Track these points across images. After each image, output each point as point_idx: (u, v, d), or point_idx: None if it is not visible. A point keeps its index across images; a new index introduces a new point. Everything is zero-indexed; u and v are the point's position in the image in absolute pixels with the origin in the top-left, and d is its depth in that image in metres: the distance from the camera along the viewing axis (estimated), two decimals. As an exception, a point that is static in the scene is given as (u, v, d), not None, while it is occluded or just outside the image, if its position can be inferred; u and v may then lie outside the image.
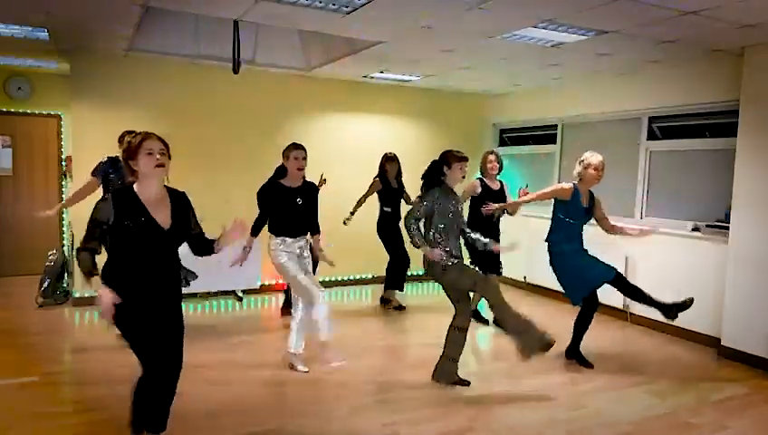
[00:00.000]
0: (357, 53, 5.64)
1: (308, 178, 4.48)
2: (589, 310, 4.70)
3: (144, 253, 2.76)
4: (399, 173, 6.39)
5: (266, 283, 6.93)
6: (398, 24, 4.57)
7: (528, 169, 7.84)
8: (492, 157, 5.75)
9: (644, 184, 6.19)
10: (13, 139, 7.51)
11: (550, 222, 4.75)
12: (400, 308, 6.41)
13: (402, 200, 6.42)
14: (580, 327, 4.75)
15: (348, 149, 7.37)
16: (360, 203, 6.28)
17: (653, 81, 6.01)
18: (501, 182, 5.81)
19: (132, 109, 6.37)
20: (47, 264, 6.30)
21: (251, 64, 6.27)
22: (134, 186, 2.80)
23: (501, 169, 5.81)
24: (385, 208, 6.34)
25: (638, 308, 6.08)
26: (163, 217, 2.78)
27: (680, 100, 5.78)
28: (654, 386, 4.36)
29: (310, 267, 4.47)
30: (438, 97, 7.94)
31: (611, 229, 4.77)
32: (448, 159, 4.14)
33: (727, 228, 5.10)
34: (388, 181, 6.32)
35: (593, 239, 6.49)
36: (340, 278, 7.28)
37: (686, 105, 5.75)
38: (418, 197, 4.24)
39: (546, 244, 4.74)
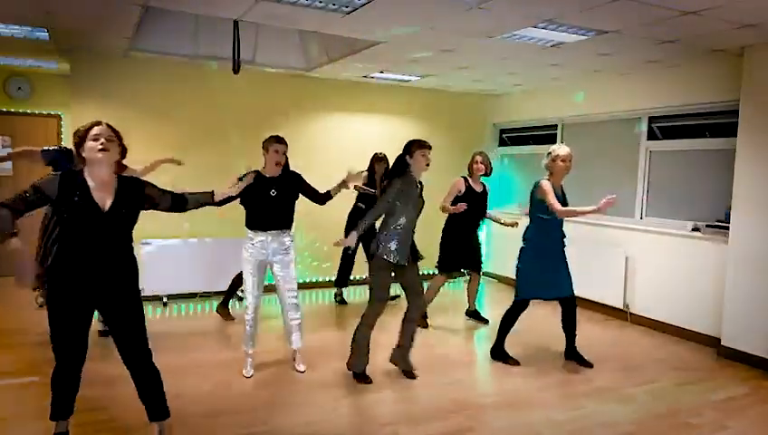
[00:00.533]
0: (357, 53, 5.64)
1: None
2: (570, 310, 4.71)
3: (82, 234, 2.80)
4: (386, 174, 6.37)
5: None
6: (398, 24, 4.57)
7: (528, 169, 7.84)
8: (479, 158, 5.70)
9: (644, 184, 6.19)
10: (13, 139, 7.51)
11: (528, 222, 4.66)
12: (343, 302, 6.61)
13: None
14: (570, 327, 4.75)
15: (348, 150, 7.37)
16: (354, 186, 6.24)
17: (653, 81, 6.01)
18: (484, 185, 5.78)
19: (132, 109, 6.37)
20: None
21: (251, 64, 6.27)
22: (84, 171, 2.85)
23: (490, 171, 5.75)
24: (359, 204, 6.37)
25: (638, 308, 6.10)
26: (104, 200, 2.82)
27: (680, 100, 5.78)
28: (654, 386, 4.36)
29: (289, 271, 4.30)
30: (438, 97, 7.94)
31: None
32: (410, 148, 4.11)
33: (727, 228, 5.10)
34: (373, 181, 6.35)
35: (593, 239, 6.53)
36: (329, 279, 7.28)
37: (686, 105, 5.75)
38: (382, 193, 4.21)
39: (523, 241, 4.65)
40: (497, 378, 4.52)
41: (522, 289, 4.62)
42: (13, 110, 7.50)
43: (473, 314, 6.04)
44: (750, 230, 4.88)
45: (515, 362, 4.70)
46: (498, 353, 4.77)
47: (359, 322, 4.22)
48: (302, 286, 7.35)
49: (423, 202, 4.25)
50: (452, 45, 5.25)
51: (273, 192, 4.17)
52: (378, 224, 4.27)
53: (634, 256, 6.13)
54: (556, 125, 7.36)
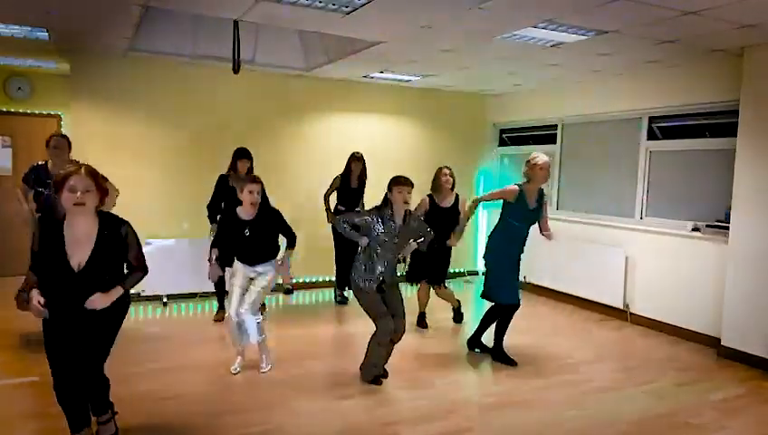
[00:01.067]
0: (357, 52, 5.64)
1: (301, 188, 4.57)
2: (508, 313, 4.75)
3: (55, 285, 2.76)
4: (363, 173, 6.43)
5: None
6: (398, 24, 4.57)
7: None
8: (447, 171, 5.63)
9: (644, 184, 6.19)
10: (13, 139, 7.51)
11: (497, 222, 4.79)
12: (344, 302, 6.58)
13: (360, 202, 6.49)
14: (501, 326, 4.78)
15: (347, 150, 7.33)
16: (327, 201, 6.41)
17: (653, 81, 6.01)
18: (456, 196, 5.66)
19: (132, 109, 6.37)
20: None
21: (251, 64, 6.27)
22: (65, 218, 2.77)
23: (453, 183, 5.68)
24: (339, 207, 6.40)
25: (638, 308, 6.10)
26: (80, 257, 2.74)
27: (680, 100, 5.78)
28: (654, 386, 4.36)
29: (258, 287, 4.33)
30: (438, 97, 7.94)
31: (545, 229, 4.76)
32: (390, 185, 4.14)
33: (727, 228, 5.10)
34: (349, 180, 6.37)
35: (593, 239, 6.53)
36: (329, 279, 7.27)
37: (686, 105, 5.75)
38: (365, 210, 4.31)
39: (486, 238, 4.84)
40: (497, 378, 4.52)
41: (501, 295, 4.72)
42: (13, 110, 7.50)
43: (419, 319, 5.86)
44: (750, 230, 4.88)
45: (513, 363, 4.71)
46: (500, 355, 4.78)
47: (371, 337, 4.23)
48: (302, 286, 7.35)
49: (409, 230, 4.25)
50: (452, 45, 5.25)
51: (246, 232, 4.25)
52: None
53: (634, 256, 6.13)
54: (556, 125, 7.36)
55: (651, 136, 6.16)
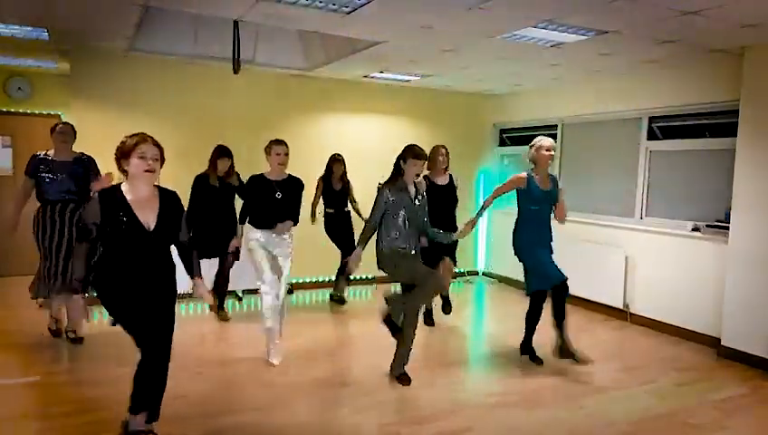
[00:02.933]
0: (357, 52, 5.65)
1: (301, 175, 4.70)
2: (539, 304, 4.71)
3: (129, 252, 2.84)
4: (344, 174, 6.43)
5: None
6: (398, 24, 4.57)
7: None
8: (443, 150, 5.58)
9: (644, 184, 6.19)
10: (13, 139, 7.51)
11: (515, 218, 4.77)
12: (341, 302, 6.54)
13: (348, 201, 6.47)
14: (532, 321, 4.76)
15: (347, 150, 7.35)
16: (313, 205, 6.33)
17: (653, 81, 6.01)
18: (450, 176, 5.61)
19: (132, 109, 6.37)
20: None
21: (251, 64, 6.27)
22: (122, 185, 2.85)
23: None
24: (327, 210, 6.40)
25: (638, 308, 6.10)
26: (148, 218, 2.84)
27: (680, 100, 5.78)
28: (654, 386, 4.36)
29: (286, 267, 4.53)
30: (438, 97, 7.94)
31: (560, 216, 4.74)
32: (405, 154, 4.15)
33: (727, 228, 5.10)
34: (330, 183, 6.35)
35: (593, 239, 6.53)
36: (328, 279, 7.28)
37: (686, 105, 5.75)
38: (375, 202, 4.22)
39: (512, 238, 4.75)
40: (497, 378, 4.52)
41: (533, 283, 4.69)
42: (13, 110, 7.50)
43: (427, 316, 5.77)
44: (750, 230, 4.88)
45: (539, 362, 4.70)
46: (526, 348, 4.81)
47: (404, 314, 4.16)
48: (302, 286, 7.35)
49: (423, 203, 4.30)
50: (452, 45, 5.25)
51: (278, 195, 4.41)
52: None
53: (634, 256, 6.13)
54: (556, 125, 7.36)
55: (651, 136, 6.16)
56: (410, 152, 4.14)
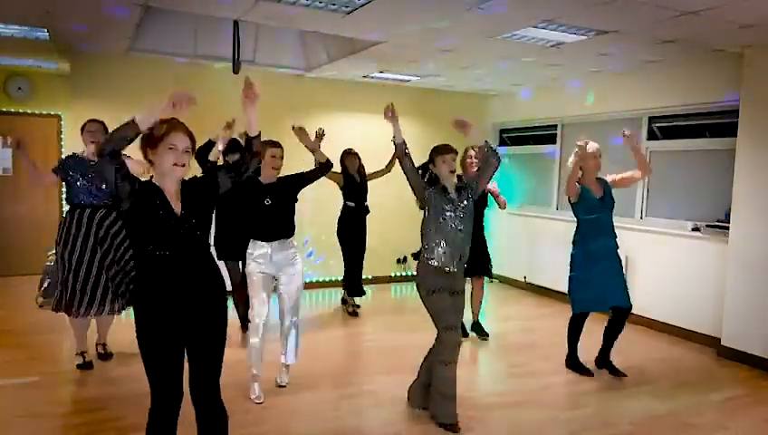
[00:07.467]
0: (357, 52, 5.65)
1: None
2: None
3: (161, 234, 2.39)
4: (361, 167, 6.27)
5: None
6: (398, 24, 4.57)
7: (528, 169, 7.85)
8: (472, 152, 5.21)
9: (644, 184, 6.19)
10: (13, 139, 7.50)
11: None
12: (354, 314, 6.18)
13: (367, 195, 6.32)
14: (571, 339, 4.64)
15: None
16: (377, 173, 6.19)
17: (653, 81, 6.01)
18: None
19: (132, 109, 6.20)
20: (47, 263, 6.28)
21: (251, 64, 6.27)
22: (152, 178, 2.49)
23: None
24: (348, 203, 6.26)
25: (639, 308, 6.08)
26: (177, 205, 2.45)
27: (680, 100, 5.78)
28: (654, 386, 4.36)
29: (292, 286, 3.97)
30: (438, 97, 7.94)
31: (643, 170, 4.66)
32: (431, 155, 3.79)
33: (727, 228, 5.10)
34: (350, 175, 6.22)
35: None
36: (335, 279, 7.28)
37: (686, 105, 5.75)
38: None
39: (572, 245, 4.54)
40: (497, 378, 4.52)
41: (576, 304, 4.52)
42: (13, 110, 7.49)
43: (476, 328, 5.51)
44: (750, 230, 4.88)
45: (589, 374, 4.53)
46: (573, 364, 4.63)
47: (431, 360, 3.67)
48: (307, 286, 7.34)
49: (469, 205, 3.70)
50: (452, 45, 5.25)
51: (267, 201, 3.94)
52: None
53: (634, 256, 6.13)
54: (556, 125, 7.36)
55: (651, 136, 6.16)
56: (434, 151, 3.76)
